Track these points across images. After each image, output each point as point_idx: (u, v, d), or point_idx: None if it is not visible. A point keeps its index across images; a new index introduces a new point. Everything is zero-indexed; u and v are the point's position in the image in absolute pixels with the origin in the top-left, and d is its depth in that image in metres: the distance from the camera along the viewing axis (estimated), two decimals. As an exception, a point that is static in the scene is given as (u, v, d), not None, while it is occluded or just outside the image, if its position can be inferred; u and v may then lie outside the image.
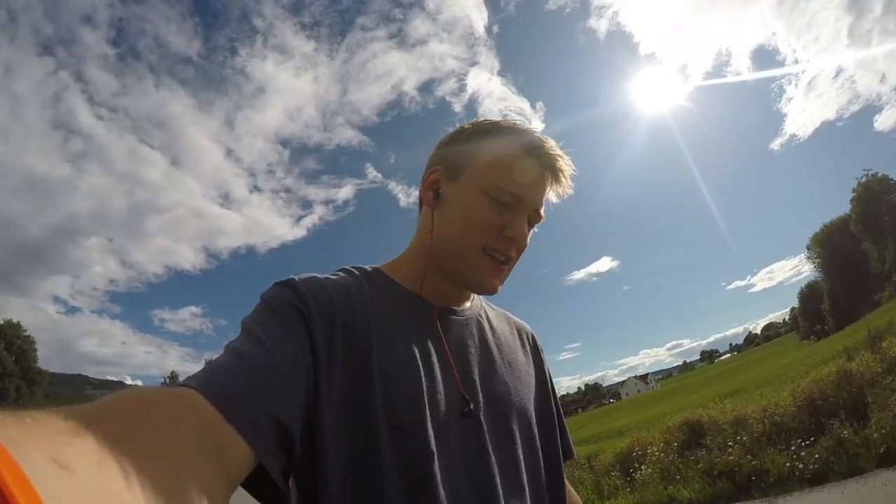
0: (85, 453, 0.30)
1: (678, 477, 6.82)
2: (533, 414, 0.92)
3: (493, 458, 0.78)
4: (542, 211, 0.90)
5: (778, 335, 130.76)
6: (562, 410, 1.05)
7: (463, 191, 0.87)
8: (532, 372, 0.99)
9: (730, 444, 6.83)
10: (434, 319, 0.87)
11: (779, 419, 6.84)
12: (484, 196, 0.85)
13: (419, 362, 0.78)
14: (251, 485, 0.59)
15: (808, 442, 6.16)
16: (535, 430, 0.91)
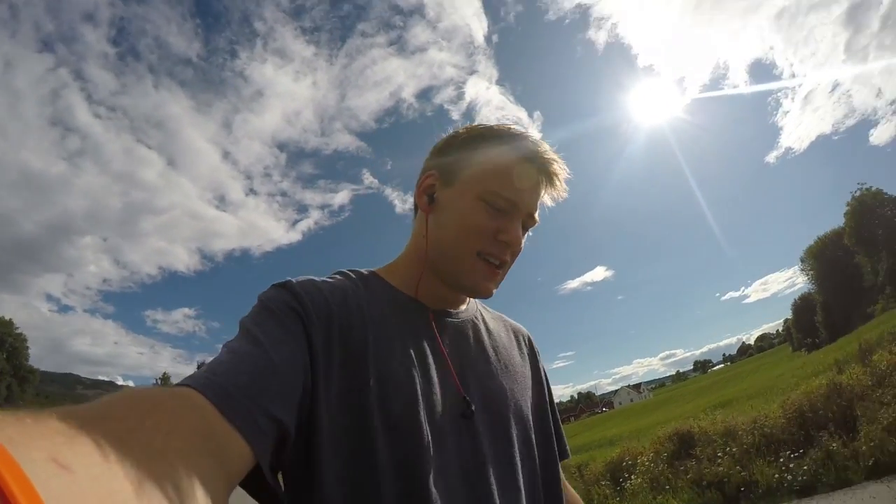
0: (85, 453, 0.30)
1: (667, 487, 6.81)
2: (529, 415, 0.92)
3: (488, 459, 0.79)
4: (536, 215, 0.91)
5: (771, 346, 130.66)
6: (557, 411, 1.06)
7: (457, 196, 0.88)
8: (528, 373, 1.00)
9: (719, 454, 6.83)
10: (430, 322, 0.88)
11: (768, 431, 6.85)
12: (478, 201, 0.85)
13: (415, 364, 0.79)
14: (245, 483, 0.59)
15: (797, 454, 6.17)
16: (532, 432, 0.91)
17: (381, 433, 0.70)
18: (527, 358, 1.03)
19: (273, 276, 0.81)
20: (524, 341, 1.07)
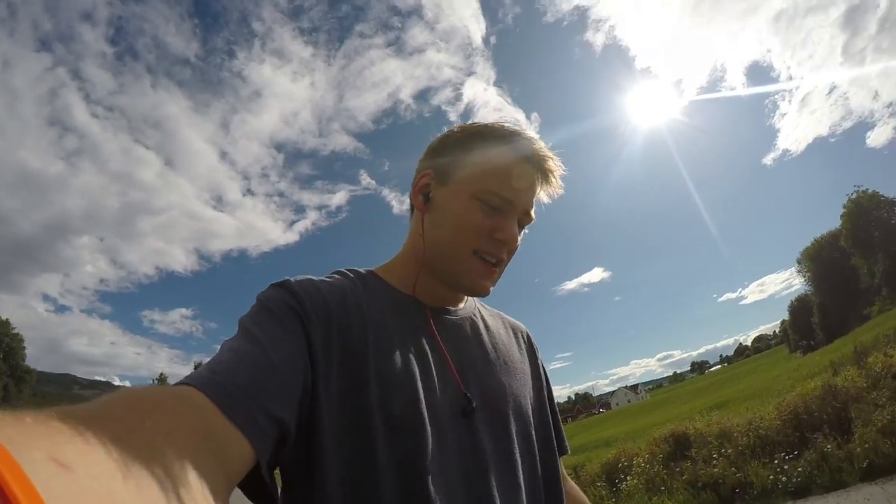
0: (85, 452, 0.30)
1: (663, 488, 6.81)
2: (529, 411, 0.92)
3: (488, 457, 0.79)
4: (532, 212, 0.90)
5: (768, 347, 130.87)
6: (557, 407, 1.06)
7: (453, 195, 0.87)
8: (528, 370, 1.00)
9: (715, 456, 6.84)
10: (428, 319, 0.88)
11: (763, 432, 6.86)
12: (474, 200, 0.85)
13: (415, 362, 0.79)
14: (241, 483, 0.58)
15: (791, 455, 6.19)
16: (532, 428, 0.91)
17: (382, 432, 0.70)
18: (526, 354, 1.03)
19: (270, 277, 0.81)
20: (523, 338, 1.07)
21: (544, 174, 0.88)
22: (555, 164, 0.89)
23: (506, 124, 0.92)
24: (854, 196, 47.06)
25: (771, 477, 5.96)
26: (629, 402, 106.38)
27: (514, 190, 0.85)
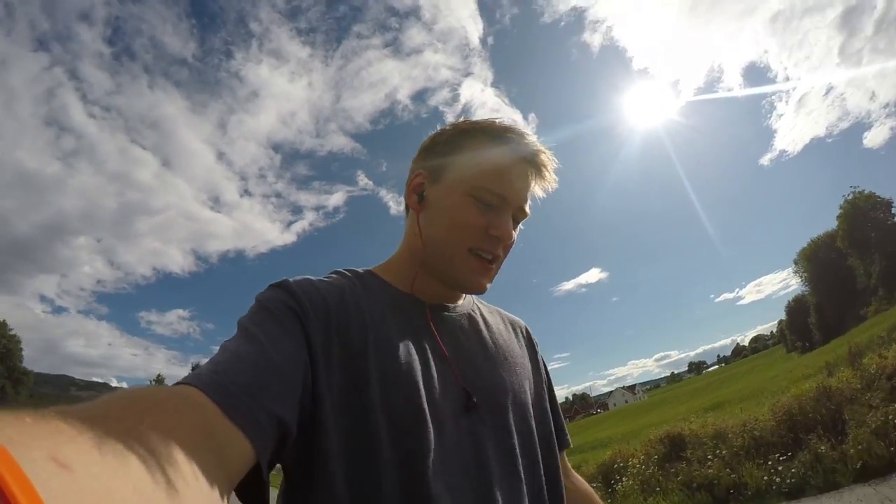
0: (85, 452, 0.30)
1: (658, 489, 6.82)
2: (530, 405, 0.92)
3: (489, 452, 0.79)
4: (527, 207, 0.90)
5: (765, 347, 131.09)
6: (557, 402, 1.06)
7: (446, 193, 0.87)
8: (528, 364, 1.00)
9: (709, 457, 6.85)
10: (427, 317, 0.88)
11: (758, 433, 6.86)
12: (467, 197, 0.85)
13: (416, 360, 0.79)
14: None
15: (785, 456, 6.20)
16: (532, 423, 0.91)
17: (384, 431, 0.70)
18: (525, 349, 1.03)
19: (268, 278, 0.81)
20: (522, 333, 1.07)
21: (537, 169, 0.88)
22: (547, 158, 0.89)
23: (497, 121, 0.92)
24: (850, 197, 47.19)
25: (765, 478, 5.96)
26: (627, 402, 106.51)
27: (507, 186, 0.86)
